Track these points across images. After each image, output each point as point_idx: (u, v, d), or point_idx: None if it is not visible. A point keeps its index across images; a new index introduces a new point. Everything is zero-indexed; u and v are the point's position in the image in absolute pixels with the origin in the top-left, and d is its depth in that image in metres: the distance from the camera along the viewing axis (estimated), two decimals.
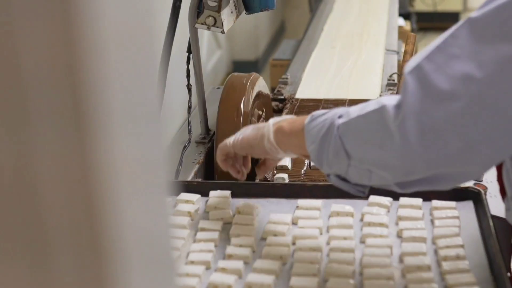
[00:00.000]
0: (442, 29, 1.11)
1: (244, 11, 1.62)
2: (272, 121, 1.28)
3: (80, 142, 0.35)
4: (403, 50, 2.03)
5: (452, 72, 1.00)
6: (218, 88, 2.13)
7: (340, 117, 1.13)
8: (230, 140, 1.33)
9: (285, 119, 1.27)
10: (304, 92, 2.15)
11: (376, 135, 1.07)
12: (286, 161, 1.65)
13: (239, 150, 1.33)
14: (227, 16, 1.52)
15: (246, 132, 1.32)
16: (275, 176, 1.59)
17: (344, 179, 1.16)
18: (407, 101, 1.02)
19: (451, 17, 5.76)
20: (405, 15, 4.16)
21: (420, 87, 1.02)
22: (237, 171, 1.37)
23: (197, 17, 1.52)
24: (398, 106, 1.04)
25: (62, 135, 0.35)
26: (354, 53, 2.54)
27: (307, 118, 1.19)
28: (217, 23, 1.48)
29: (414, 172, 1.06)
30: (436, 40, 1.05)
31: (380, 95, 1.96)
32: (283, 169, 1.67)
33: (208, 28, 1.49)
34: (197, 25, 1.52)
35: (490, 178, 1.57)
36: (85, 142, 0.35)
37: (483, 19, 1.00)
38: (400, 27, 3.07)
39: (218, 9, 1.47)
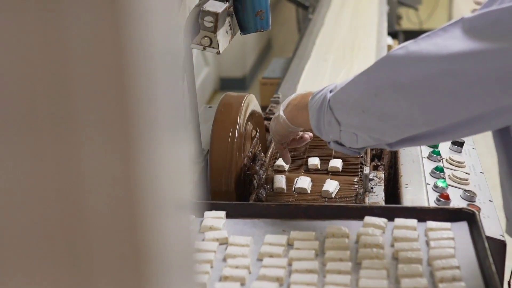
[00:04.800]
0: None
1: (239, 32, 1.63)
2: (282, 106, 1.49)
3: (125, 148, 0.36)
4: None
5: (428, 57, 1.13)
6: (210, 107, 2.13)
7: (331, 91, 1.31)
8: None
9: (292, 99, 1.47)
10: None
11: (360, 100, 1.24)
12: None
13: (276, 142, 1.59)
14: (222, 36, 1.52)
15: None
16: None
17: (341, 144, 1.34)
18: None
19: None
20: (393, 34, 4.18)
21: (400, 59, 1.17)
22: (298, 142, 1.62)
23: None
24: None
25: (109, 141, 0.36)
26: (346, 65, 2.57)
27: (310, 96, 1.37)
28: (212, 43, 1.49)
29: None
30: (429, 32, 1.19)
31: None
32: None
33: (204, 49, 1.50)
34: (192, 46, 1.52)
35: (483, 199, 1.58)
36: (130, 148, 0.36)
37: (473, 20, 1.10)
38: (388, 46, 3.09)
39: (214, 30, 1.47)
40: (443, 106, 1.14)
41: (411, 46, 1.16)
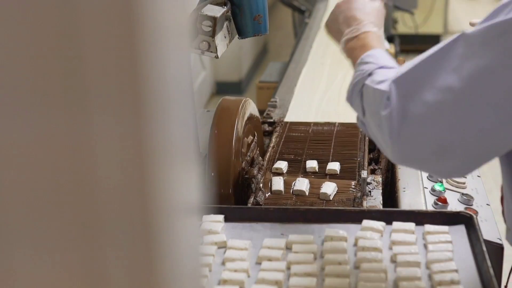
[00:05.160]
0: (424, 51, 1.14)
1: (237, 36, 1.63)
2: (350, 30, 1.35)
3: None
4: None
5: (436, 83, 1.07)
6: (208, 111, 2.13)
7: (369, 75, 1.20)
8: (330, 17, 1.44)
9: (356, 39, 1.33)
10: (294, 114, 2.16)
11: (377, 114, 1.14)
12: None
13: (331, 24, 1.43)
14: (220, 41, 1.52)
15: (339, 18, 1.40)
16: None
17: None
18: (393, 105, 1.10)
19: (432, 40, 5.83)
20: (389, 38, 4.19)
21: (405, 95, 1.10)
22: None
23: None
24: (387, 105, 1.12)
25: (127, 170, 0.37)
26: (343, 69, 2.58)
27: (360, 58, 1.27)
28: (211, 47, 1.49)
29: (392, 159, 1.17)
30: (428, 51, 1.11)
31: None
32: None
33: (202, 53, 1.50)
34: (190, 50, 1.53)
35: (480, 203, 1.58)
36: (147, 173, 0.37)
37: (476, 34, 1.06)
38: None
39: (213, 34, 1.47)
40: (448, 134, 1.07)
41: (414, 72, 1.10)
